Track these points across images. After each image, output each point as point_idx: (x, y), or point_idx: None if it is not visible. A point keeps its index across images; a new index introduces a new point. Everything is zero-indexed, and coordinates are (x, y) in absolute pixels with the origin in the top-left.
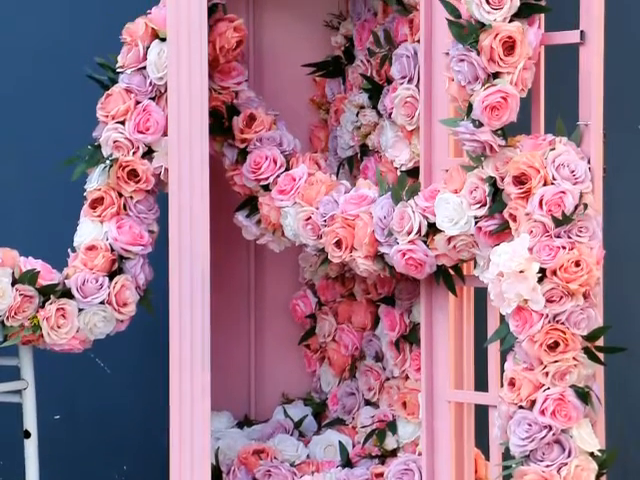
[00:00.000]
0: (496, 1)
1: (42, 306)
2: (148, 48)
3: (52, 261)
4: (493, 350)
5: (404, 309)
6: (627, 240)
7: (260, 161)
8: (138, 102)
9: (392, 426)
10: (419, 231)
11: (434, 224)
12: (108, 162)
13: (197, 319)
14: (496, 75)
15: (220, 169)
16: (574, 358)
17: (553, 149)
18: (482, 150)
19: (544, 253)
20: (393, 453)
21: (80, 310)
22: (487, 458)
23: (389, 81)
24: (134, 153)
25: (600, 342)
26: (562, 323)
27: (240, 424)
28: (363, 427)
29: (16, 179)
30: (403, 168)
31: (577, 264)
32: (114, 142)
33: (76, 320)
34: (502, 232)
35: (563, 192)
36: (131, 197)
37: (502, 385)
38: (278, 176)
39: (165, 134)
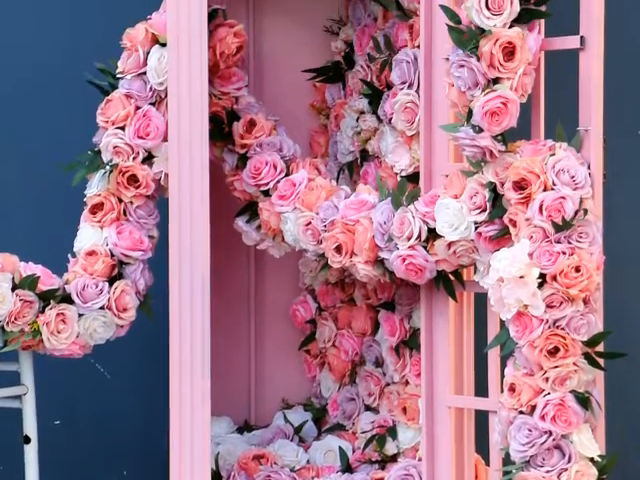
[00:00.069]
0: (496, 7)
1: (42, 311)
2: (148, 53)
3: (52, 266)
4: (493, 355)
5: (404, 314)
6: (627, 245)
7: (260, 166)
8: (138, 107)
9: (392, 431)
10: (419, 236)
11: (434, 229)
12: (108, 167)
13: (197, 324)
14: (496, 81)
15: (220, 174)
16: (574, 363)
17: (553, 154)
18: (482, 155)
19: (544, 258)
20: (393, 458)
21: (80, 315)
22: (487, 463)
23: (389, 86)
24: (134, 158)
25: (600, 347)
26: (562, 328)
27: (240, 429)
28: (363, 432)
29: (16, 184)
30: (403, 173)
31: (577, 269)
32: (114, 147)
33: (76, 325)
34: (502, 237)
35: (563, 197)
36: (131, 202)
37: (502, 390)
38: (278, 181)
39: (165, 139)
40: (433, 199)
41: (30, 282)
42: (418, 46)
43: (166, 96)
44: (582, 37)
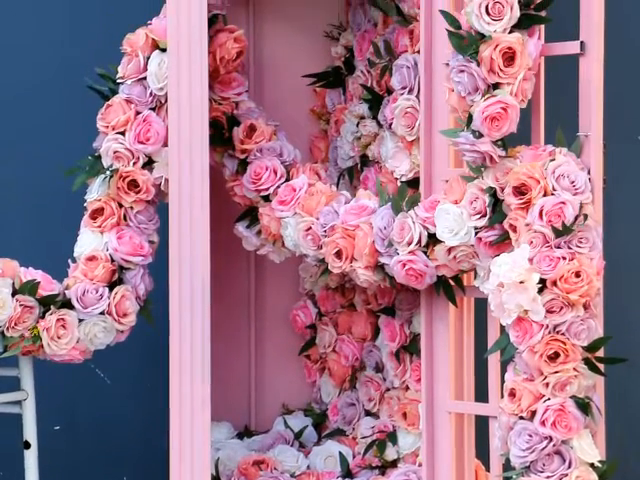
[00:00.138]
0: (496, 12)
1: (42, 317)
2: (148, 59)
3: (52, 272)
4: (493, 361)
5: (404, 320)
6: (627, 251)
7: (260, 172)
8: (138, 112)
9: (392, 437)
10: (419, 242)
11: (434, 235)
12: (108, 173)
13: (197, 329)
14: (496, 86)
15: (220, 180)
16: (574, 369)
17: (553, 160)
18: (482, 161)
19: (544, 264)
20: (393, 464)
21: (80, 320)
22: (487, 469)
23: (389, 92)
24: (134, 163)
25: (600, 353)
26: (562, 334)
27: (240, 435)
28: (363, 438)
29: (17, 189)
30: (403, 179)
31: (577, 275)
32: (114, 152)
33: (76, 331)
34: (502, 243)
35: (563, 203)
36: (131, 207)
37: (502, 396)
38: (278, 187)
39: (165, 144)
40: (433, 204)
41: (30, 287)
42: (418, 51)
43: (166, 101)
44: (582, 42)
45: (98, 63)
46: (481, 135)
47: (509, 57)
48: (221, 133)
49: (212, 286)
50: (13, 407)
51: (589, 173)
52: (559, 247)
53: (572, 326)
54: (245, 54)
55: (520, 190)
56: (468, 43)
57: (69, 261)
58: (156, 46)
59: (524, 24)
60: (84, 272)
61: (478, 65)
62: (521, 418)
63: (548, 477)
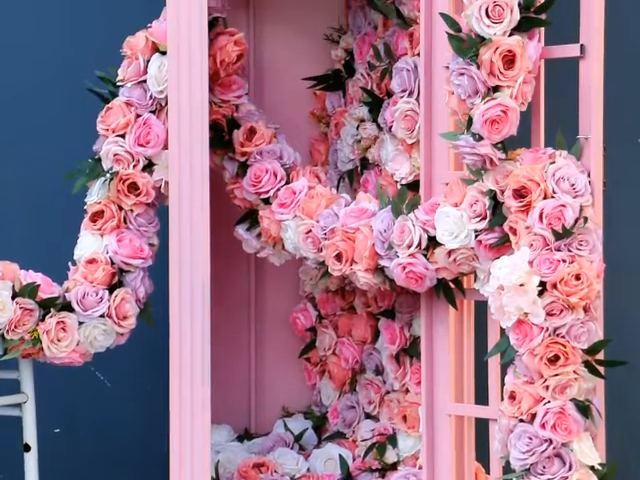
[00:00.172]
0: (496, 15)
1: (42, 319)
2: (149, 61)
3: (52, 274)
4: (493, 363)
5: (404, 322)
6: (627, 253)
7: (260, 174)
8: (138, 115)
9: (392, 439)
10: (419, 244)
11: (434, 237)
12: (108, 175)
13: (197, 332)
14: (496, 89)
15: (220, 182)
16: (574, 371)
17: (553, 162)
18: (482, 163)
19: (544, 266)
20: (393, 467)
21: (80, 323)
22: (487, 472)
23: (389, 94)
24: (134, 166)
25: (600, 355)
26: (562, 336)
27: (240, 437)
28: (363, 440)
29: (17, 192)
30: (403, 181)
31: (577, 277)
32: (114, 155)
33: (76, 333)
34: (502, 245)
35: (563, 205)
36: (131, 210)
37: (502, 398)
38: (278, 189)
39: (165, 147)
40: (433, 207)
41: (30, 290)
42: (418, 54)
43: (166, 104)
44: (582, 45)
45: (98, 66)
46: (481, 138)
47: (509, 60)
48: (221, 136)
49: (212, 289)
50: (13, 410)
51: (589, 176)
52: (559, 250)
53: (572, 329)
54: (245, 57)
55: (520, 193)
56: (468, 46)
57: (69, 264)
58: (156, 49)
59: (524, 27)
60: (84, 275)
61: (478, 68)
62: (521, 421)
63: None
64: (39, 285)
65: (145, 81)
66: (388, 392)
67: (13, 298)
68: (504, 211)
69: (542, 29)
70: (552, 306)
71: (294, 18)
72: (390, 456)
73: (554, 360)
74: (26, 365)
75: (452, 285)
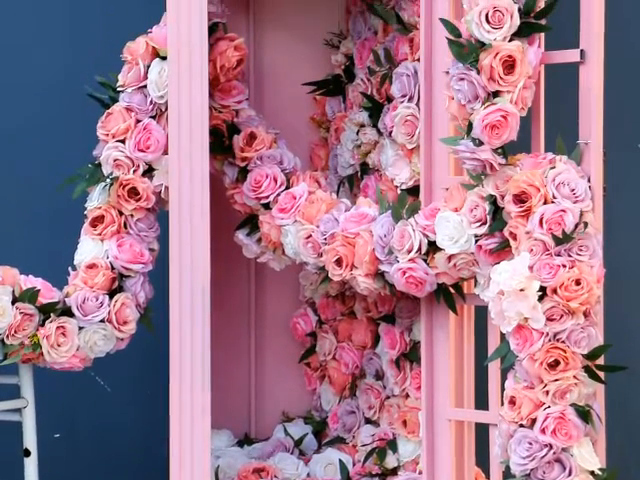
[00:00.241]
0: (496, 20)
1: (42, 324)
2: (149, 67)
3: (52, 279)
4: (493, 368)
5: (404, 327)
6: (627, 258)
7: (260, 179)
8: (139, 121)
9: (392, 444)
10: (419, 249)
11: (434, 242)
12: (108, 180)
13: (197, 337)
14: (496, 94)
15: (220, 187)
16: (574, 377)
17: (553, 168)
18: (482, 169)
19: (544, 271)
20: (393, 472)
21: (80, 328)
22: (488, 477)
23: (389, 100)
24: (134, 171)
25: (600, 361)
26: (562, 341)
27: (240, 442)
28: (363, 445)
29: (17, 197)
30: (403, 186)
31: (577, 282)
32: (114, 160)
33: (76, 338)
34: (502, 250)
35: (563, 211)
36: (131, 215)
37: (502, 403)
38: (278, 194)
39: (165, 152)
40: (433, 212)
41: (30, 295)
42: (418, 59)
43: (166, 109)
44: (582, 51)
45: (98, 71)
46: (481, 143)
47: (509, 65)
48: (221, 141)
49: (212, 294)
50: (13, 415)
51: (589, 181)
52: (559, 255)
53: (572, 334)
54: (245, 62)
55: (520, 198)
56: (468, 51)
57: (69, 269)
58: (156, 54)
59: (524, 32)
60: (84, 280)
61: (478, 73)
62: (521, 426)
63: None
64: (39, 290)
65: (145, 86)
66: (388, 397)
67: (13, 303)
68: (504, 216)
69: (542, 34)
70: (552, 311)
71: (294, 23)
72: (390, 461)
73: (554, 365)
74: (26, 370)
75: (452, 290)
